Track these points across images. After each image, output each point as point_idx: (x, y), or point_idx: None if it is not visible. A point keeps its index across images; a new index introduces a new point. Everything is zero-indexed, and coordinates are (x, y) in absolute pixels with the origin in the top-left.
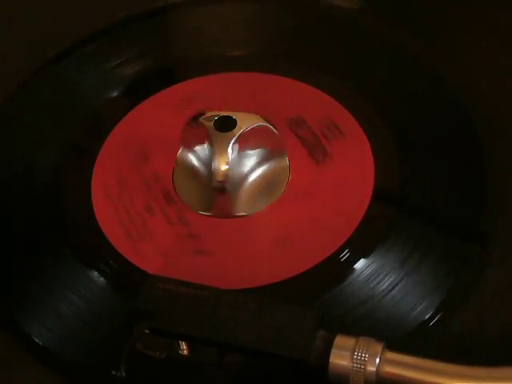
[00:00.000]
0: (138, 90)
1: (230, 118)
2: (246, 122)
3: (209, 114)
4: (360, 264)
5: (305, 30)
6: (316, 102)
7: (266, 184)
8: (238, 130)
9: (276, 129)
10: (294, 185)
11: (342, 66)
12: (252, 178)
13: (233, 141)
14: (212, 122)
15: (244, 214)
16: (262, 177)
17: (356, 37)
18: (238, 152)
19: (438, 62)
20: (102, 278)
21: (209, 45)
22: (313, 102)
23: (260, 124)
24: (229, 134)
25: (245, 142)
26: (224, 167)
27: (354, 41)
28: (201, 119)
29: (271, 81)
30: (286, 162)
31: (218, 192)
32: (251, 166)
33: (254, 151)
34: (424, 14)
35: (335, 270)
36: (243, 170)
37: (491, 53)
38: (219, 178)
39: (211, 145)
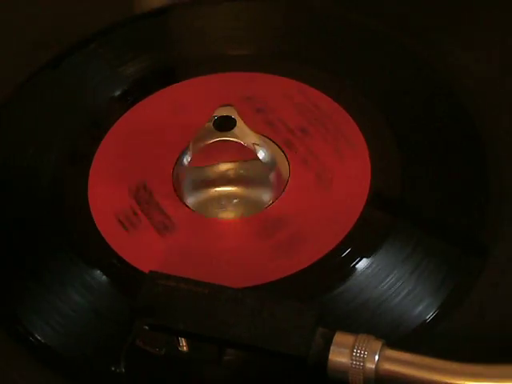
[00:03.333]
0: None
1: (230, 117)
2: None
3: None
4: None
5: (305, 30)
6: (315, 102)
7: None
8: (238, 130)
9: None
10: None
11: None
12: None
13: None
14: (212, 122)
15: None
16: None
17: (356, 37)
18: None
19: (438, 62)
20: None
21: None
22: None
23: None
24: (229, 133)
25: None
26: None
27: (354, 41)
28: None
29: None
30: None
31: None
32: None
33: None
34: (424, 13)
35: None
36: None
37: (492, 53)
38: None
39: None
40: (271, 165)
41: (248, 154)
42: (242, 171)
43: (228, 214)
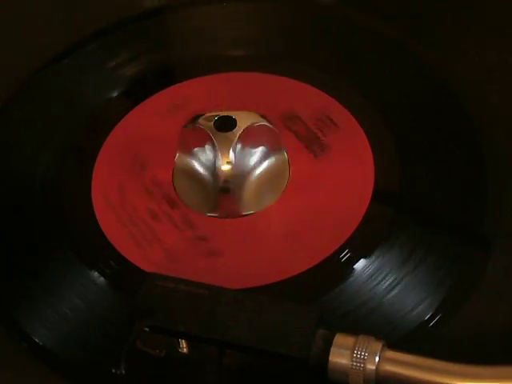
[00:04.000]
0: (138, 91)
1: (229, 117)
2: (245, 121)
3: (208, 114)
4: (360, 264)
5: (304, 30)
6: (316, 102)
7: (266, 184)
8: (239, 130)
9: (274, 126)
10: (295, 185)
11: (342, 66)
12: (254, 176)
13: (235, 140)
14: (212, 123)
15: (244, 214)
16: (263, 175)
17: (357, 37)
18: (240, 151)
19: (438, 62)
20: (104, 278)
21: (208, 45)
22: (313, 102)
23: (259, 122)
24: (229, 133)
25: (245, 141)
26: (227, 167)
27: (354, 41)
28: (200, 120)
29: (271, 81)
30: (286, 162)
31: (222, 192)
32: (253, 165)
33: (255, 149)
34: (424, 13)
35: (335, 269)
36: (245, 169)
37: (492, 52)
38: (223, 178)
39: (213, 146)
40: (273, 165)
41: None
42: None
43: (228, 214)
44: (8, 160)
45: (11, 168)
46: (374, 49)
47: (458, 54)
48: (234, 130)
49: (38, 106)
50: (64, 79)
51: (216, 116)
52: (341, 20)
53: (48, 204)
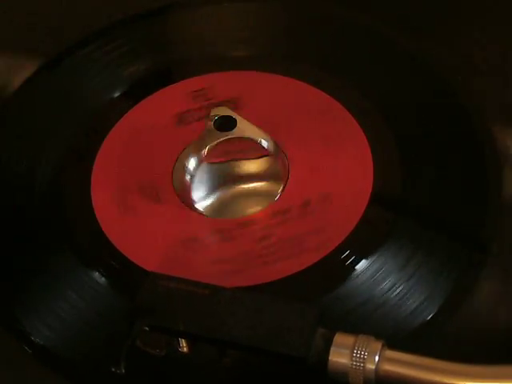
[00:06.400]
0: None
1: (230, 117)
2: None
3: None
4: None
5: (304, 30)
6: (316, 102)
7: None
8: (239, 131)
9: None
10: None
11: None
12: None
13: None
14: (212, 122)
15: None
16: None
17: (357, 37)
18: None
19: (438, 62)
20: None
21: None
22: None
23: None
24: (228, 133)
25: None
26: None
27: (354, 41)
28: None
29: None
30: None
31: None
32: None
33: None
34: (424, 13)
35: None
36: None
37: (492, 52)
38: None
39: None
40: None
41: (255, 152)
42: (243, 171)
43: (228, 214)
44: (8, 160)
45: (11, 168)
46: (374, 49)
47: (457, 53)
48: (234, 131)
49: (37, 106)
50: (64, 79)
51: (216, 116)
52: (341, 20)
53: (48, 204)
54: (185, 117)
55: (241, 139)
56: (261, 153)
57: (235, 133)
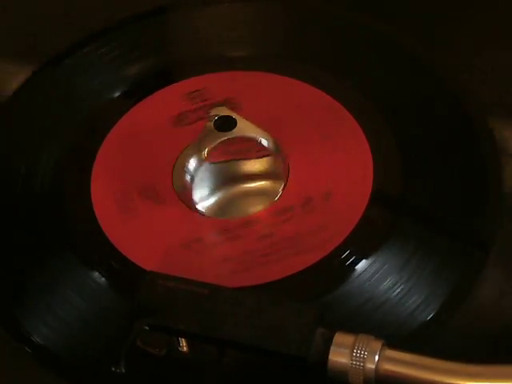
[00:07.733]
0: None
1: (229, 117)
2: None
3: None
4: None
5: (304, 30)
6: (316, 102)
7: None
8: (239, 130)
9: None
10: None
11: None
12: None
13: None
14: (212, 122)
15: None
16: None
17: (357, 37)
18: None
19: (438, 62)
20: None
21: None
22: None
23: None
24: (228, 133)
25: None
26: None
27: (354, 41)
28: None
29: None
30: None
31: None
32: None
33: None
34: (424, 13)
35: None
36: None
37: (492, 52)
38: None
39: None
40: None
41: (256, 152)
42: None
43: (228, 214)
44: (8, 160)
45: (11, 168)
46: (374, 49)
47: (458, 53)
48: (234, 131)
49: (37, 106)
50: (64, 79)
51: (216, 116)
52: (341, 20)
53: (48, 204)
54: (185, 117)
55: (241, 139)
56: (261, 152)
57: (235, 132)
